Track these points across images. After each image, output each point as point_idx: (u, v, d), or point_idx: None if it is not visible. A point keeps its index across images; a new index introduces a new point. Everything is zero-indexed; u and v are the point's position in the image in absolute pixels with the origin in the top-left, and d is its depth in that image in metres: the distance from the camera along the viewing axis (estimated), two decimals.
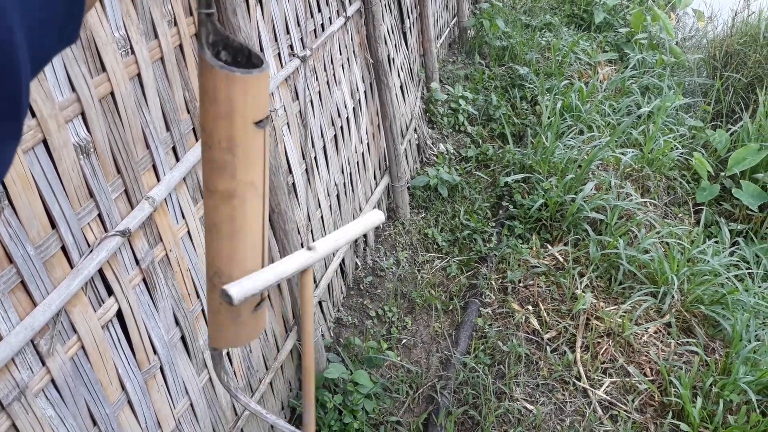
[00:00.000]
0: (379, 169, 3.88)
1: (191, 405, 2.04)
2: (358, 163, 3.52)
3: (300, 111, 2.80)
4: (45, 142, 1.43)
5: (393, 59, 4.01)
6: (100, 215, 1.62)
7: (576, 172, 4.05)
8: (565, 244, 3.75)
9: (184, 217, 1.97)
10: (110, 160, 1.65)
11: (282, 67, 2.64)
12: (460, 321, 3.35)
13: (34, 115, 1.39)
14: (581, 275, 3.53)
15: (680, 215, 4.29)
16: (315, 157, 2.97)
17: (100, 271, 1.62)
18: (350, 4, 3.35)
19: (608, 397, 2.95)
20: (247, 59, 0.67)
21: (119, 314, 1.70)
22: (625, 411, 2.89)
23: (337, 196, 3.25)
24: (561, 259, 3.67)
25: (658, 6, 6.89)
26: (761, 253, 3.96)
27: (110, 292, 1.66)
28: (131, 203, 1.74)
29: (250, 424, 2.42)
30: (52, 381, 1.47)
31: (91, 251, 1.57)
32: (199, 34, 0.64)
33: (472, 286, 3.58)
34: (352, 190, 3.45)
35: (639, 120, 4.92)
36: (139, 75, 1.74)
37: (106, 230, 1.64)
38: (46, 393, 1.45)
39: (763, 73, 5.59)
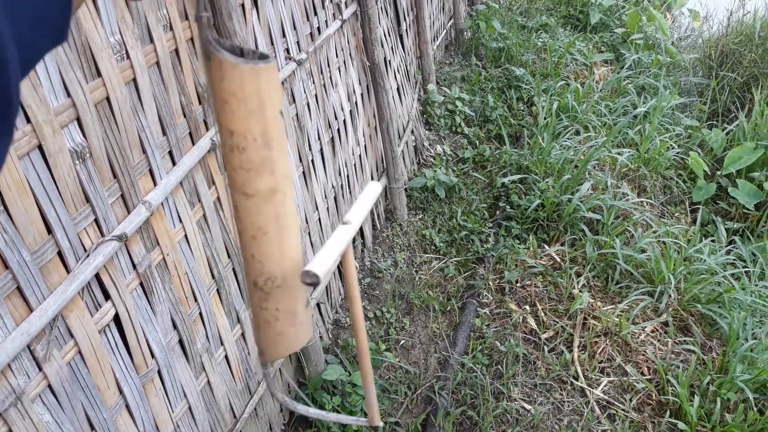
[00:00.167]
0: (377, 171, 3.88)
1: (189, 408, 2.04)
2: (355, 165, 3.52)
3: (297, 114, 2.81)
4: (40, 147, 1.44)
5: (389, 62, 4.01)
6: (96, 220, 1.62)
7: (572, 173, 4.06)
8: (562, 244, 3.76)
9: (181, 221, 1.98)
10: (106, 164, 1.65)
11: (279, 70, 2.64)
12: (458, 321, 3.36)
13: (29, 120, 1.39)
14: (578, 275, 3.54)
15: (677, 214, 4.31)
16: (312, 160, 2.98)
17: (97, 276, 1.63)
18: (346, 7, 3.36)
19: (606, 397, 2.96)
20: (241, 56, 0.65)
21: (116, 318, 1.70)
22: (622, 410, 2.90)
23: (335, 198, 3.25)
24: (558, 259, 3.68)
25: (654, 6, 6.91)
26: (757, 251, 3.97)
27: (107, 296, 1.66)
28: (128, 208, 1.74)
29: (248, 427, 2.42)
30: (49, 386, 1.47)
31: (87, 256, 1.57)
32: (205, 37, 0.63)
33: (469, 286, 3.59)
34: (350, 193, 3.46)
35: (635, 120, 4.93)
36: (134, 80, 1.75)
37: (102, 235, 1.64)
38: (42, 398, 1.45)
39: (759, 72, 5.61)
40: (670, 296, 3.37)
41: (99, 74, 1.61)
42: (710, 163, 4.75)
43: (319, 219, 3.06)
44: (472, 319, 3.34)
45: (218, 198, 2.19)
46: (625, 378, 3.04)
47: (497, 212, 4.13)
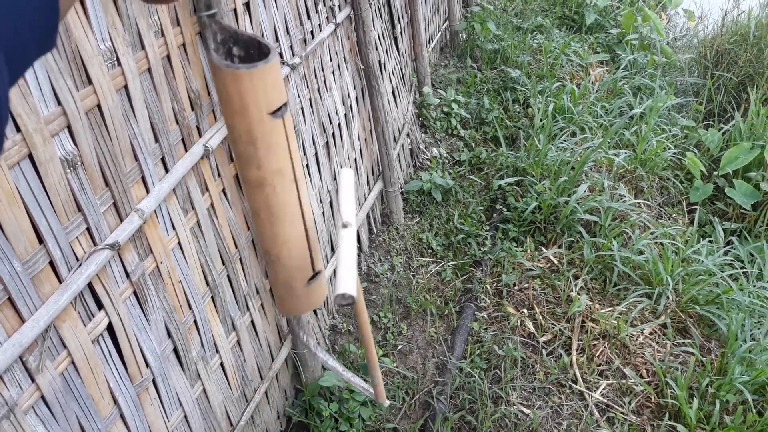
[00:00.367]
0: (372, 174, 3.87)
1: (185, 417, 2.03)
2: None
3: (291, 119, 2.79)
4: (31, 156, 1.42)
5: (384, 64, 4.00)
6: (88, 229, 1.61)
7: (569, 174, 4.05)
8: (560, 247, 3.75)
9: (174, 228, 1.96)
10: (98, 173, 1.64)
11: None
12: (456, 326, 3.34)
13: (19, 129, 1.38)
14: (576, 277, 3.53)
15: (674, 215, 4.30)
16: (307, 165, 2.97)
17: (90, 285, 1.61)
18: (340, 10, 3.35)
19: (605, 400, 2.95)
20: (258, 50, 0.68)
21: (110, 328, 1.69)
22: (621, 413, 2.89)
23: (330, 203, 3.24)
24: (555, 262, 3.67)
25: (649, 6, 6.91)
26: (755, 251, 3.97)
27: (100, 305, 1.65)
28: (120, 216, 1.73)
29: None
30: (42, 397, 1.45)
31: (79, 265, 1.56)
32: (205, 36, 0.66)
33: (467, 290, 3.58)
34: None
35: (631, 121, 4.93)
36: (126, 87, 1.74)
37: (95, 244, 1.63)
38: (36, 410, 1.44)
39: (754, 71, 5.61)
40: (668, 298, 3.36)
41: (90, 82, 1.59)
42: (707, 164, 4.75)
43: (315, 224, 3.04)
44: (469, 323, 3.33)
45: (212, 204, 2.18)
46: (623, 381, 3.03)
47: (494, 215, 4.12)
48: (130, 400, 1.76)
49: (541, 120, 4.70)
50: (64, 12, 0.52)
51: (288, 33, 2.78)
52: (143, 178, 1.83)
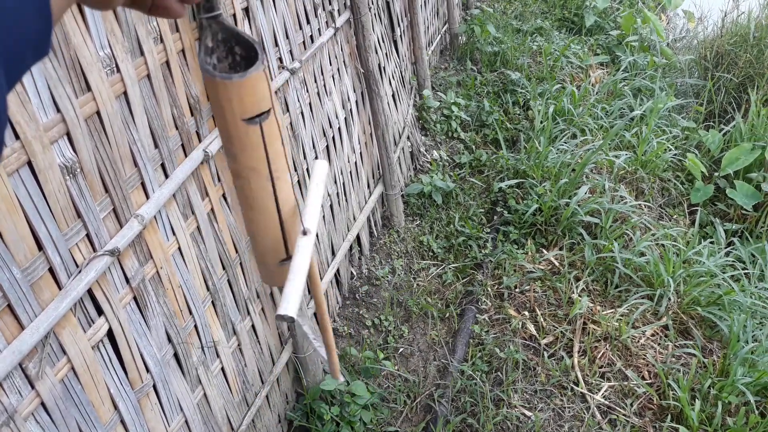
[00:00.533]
0: (373, 177, 3.87)
1: (186, 422, 2.03)
2: (351, 172, 3.52)
3: (291, 123, 2.80)
4: (30, 164, 1.43)
5: (384, 68, 4.01)
6: (88, 235, 1.61)
7: (570, 176, 4.05)
8: (561, 249, 3.75)
9: (174, 233, 1.97)
10: (98, 179, 1.64)
11: (272, 79, 2.63)
12: (457, 328, 3.34)
13: (18, 137, 1.38)
14: (577, 279, 3.53)
15: (675, 216, 4.30)
16: (307, 169, 2.97)
17: (90, 292, 1.61)
18: (339, 14, 3.36)
19: (607, 402, 2.94)
20: (257, 55, 0.70)
21: (110, 334, 1.69)
22: (623, 415, 2.89)
23: (330, 206, 3.24)
24: (557, 264, 3.67)
25: (648, 8, 6.92)
26: (757, 252, 3.96)
27: (100, 312, 1.65)
28: (120, 222, 1.73)
29: None
30: (42, 404, 1.46)
31: (79, 272, 1.56)
32: (201, 38, 0.68)
33: (468, 292, 3.58)
34: (346, 200, 3.44)
35: (632, 122, 4.93)
36: (125, 93, 1.74)
37: (94, 250, 1.63)
38: (35, 416, 1.44)
39: (754, 72, 5.61)
40: (669, 299, 3.35)
41: (89, 88, 1.60)
42: (708, 165, 4.75)
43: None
44: (471, 325, 3.33)
45: (212, 209, 2.18)
46: (625, 383, 3.02)
47: (495, 217, 4.12)
48: (131, 405, 1.76)
49: (541, 122, 4.70)
50: (56, 19, 0.53)
51: (287, 37, 2.78)
52: (143, 184, 1.83)
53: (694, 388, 2.95)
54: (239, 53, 0.70)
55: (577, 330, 3.24)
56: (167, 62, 1.93)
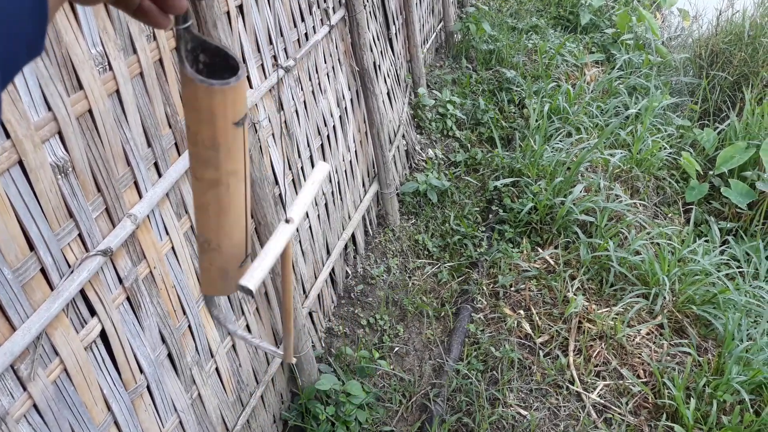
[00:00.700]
0: (368, 176, 3.86)
1: (180, 422, 2.01)
2: (346, 171, 3.50)
3: (285, 121, 2.79)
4: (21, 163, 1.41)
5: (379, 66, 4.00)
6: (80, 235, 1.59)
7: (565, 175, 4.05)
8: (556, 248, 3.75)
9: (167, 233, 1.95)
10: (90, 178, 1.63)
11: (266, 78, 2.62)
12: (453, 327, 3.34)
13: (8, 136, 1.37)
14: (572, 278, 3.53)
15: (670, 215, 4.30)
16: (302, 167, 2.96)
17: (82, 292, 1.60)
18: (334, 12, 3.34)
19: (602, 401, 2.94)
20: (224, 60, 0.71)
21: (103, 334, 1.67)
22: (619, 414, 2.89)
23: (326, 205, 3.23)
24: (552, 263, 3.67)
25: (644, 6, 6.92)
26: (751, 251, 3.96)
27: (93, 312, 1.64)
28: (113, 221, 1.71)
29: None
30: (34, 406, 1.44)
31: (71, 272, 1.54)
32: (179, 48, 0.68)
33: (463, 291, 3.57)
34: (341, 199, 3.43)
35: (627, 121, 4.93)
36: (117, 91, 1.73)
37: (87, 250, 1.61)
38: (27, 418, 1.42)
39: (749, 71, 5.61)
40: (664, 298, 3.36)
41: (81, 87, 1.58)
42: (702, 163, 4.75)
43: (310, 227, 3.04)
44: (466, 324, 3.32)
45: None
46: (621, 381, 3.02)
47: (490, 216, 4.11)
48: (124, 406, 1.75)
49: (536, 120, 4.70)
50: (50, 17, 0.53)
51: (282, 35, 2.77)
52: (136, 183, 1.82)
53: (689, 387, 2.95)
54: (203, 61, 0.71)
55: (573, 329, 3.24)
56: (160, 60, 1.91)
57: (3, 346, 1.35)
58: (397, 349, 3.23)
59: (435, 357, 3.20)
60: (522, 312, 3.37)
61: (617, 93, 5.33)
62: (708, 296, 3.36)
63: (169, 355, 1.96)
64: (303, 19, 3.00)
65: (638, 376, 3.05)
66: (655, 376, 2.98)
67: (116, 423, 1.72)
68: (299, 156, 2.92)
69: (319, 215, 3.14)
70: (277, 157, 2.69)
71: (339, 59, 3.44)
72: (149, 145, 1.87)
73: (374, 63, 3.85)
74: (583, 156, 4.09)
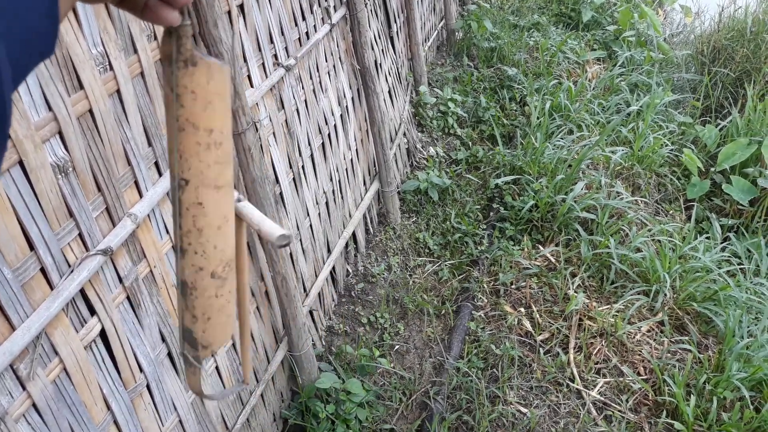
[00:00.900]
0: (369, 174, 3.86)
1: (180, 422, 2.02)
2: (347, 169, 3.51)
3: (286, 120, 2.79)
4: (21, 163, 1.41)
5: (380, 64, 3.99)
6: (80, 234, 1.60)
7: (566, 172, 4.04)
8: (557, 245, 3.75)
9: (168, 232, 1.96)
10: (90, 178, 1.63)
11: (267, 77, 2.62)
12: (453, 325, 3.34)
13: (9, 136, 1.37)
14: (573, 275, 3.53)
15: (671, 212, 4.29)
16: (302, 166, 2.96)
17: (82, 291, 1.61)
18: (335, 11, 3.34)
19: (602, 398, 2.95)
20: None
21: (103, 334, 1.68)
22: (619, 411, 2.89)
23: (326, 203, 3.24)
24: (553, 260, 3.67)
25: (645, 3, 6.90)
26: (752, 247, 3.96)
27: (93, 311, 1.64)
28: (113, 221, 1.72)
29: None
30: (34, 405, 1.45)
31: (71, 272, 1.55)
32: (186, 43, 0.66)
33: (464, 289, 3.57)
34: (342, 197, 3.44)
35: (628, 118, 4.92)
36: (118, 91, 1.73)
37: (87, 249, 1.62)
38: (27, 418, 1.43)
39: (751, 67, 5.60)
40: (665, 295, 3.36)
41: (81, 87, 1.59)
42: (704, 160, 4.74)
43: (311, 225, 3.04)
44: (466, 322, 3.33)
45: None
46: (621, 379, 3.02)
47: (491, 214, 4.12)
48: (124, 405, 1.75)
49: (537, 118, 4.70)
50: (61, 19, 0.54)
51: (283, 34, 2.77)
52: (136, 183, 1.82)
53: (689, 384, 2.95)
54: None
55: (573, 326, 3.25)
56: (161, 60, 1.91)
57: (2, 345, 1.36)
58: (397, 347, 3.24)
59: (435, 355, 3.21)
60: (522, 309, 3.38)
61: (619, 90, 5.33)
62: (709, 293, 3.36)
63: (169, 354, 1.97)
64: (304, 18, 3.00)
65: (638, 374, 3.05)
66: (656, 373, 2.98)
67: (116, 422, 1.73)
68: (300, 154, 2.93)
69: (320, 213, 3.14)
70: (278, 156, 2.70)
71: (340, 58, 3.44)
72: (150, 144, 1.87)
73: (375, 61, 3.85)
74: (584, 153, 4.09)
